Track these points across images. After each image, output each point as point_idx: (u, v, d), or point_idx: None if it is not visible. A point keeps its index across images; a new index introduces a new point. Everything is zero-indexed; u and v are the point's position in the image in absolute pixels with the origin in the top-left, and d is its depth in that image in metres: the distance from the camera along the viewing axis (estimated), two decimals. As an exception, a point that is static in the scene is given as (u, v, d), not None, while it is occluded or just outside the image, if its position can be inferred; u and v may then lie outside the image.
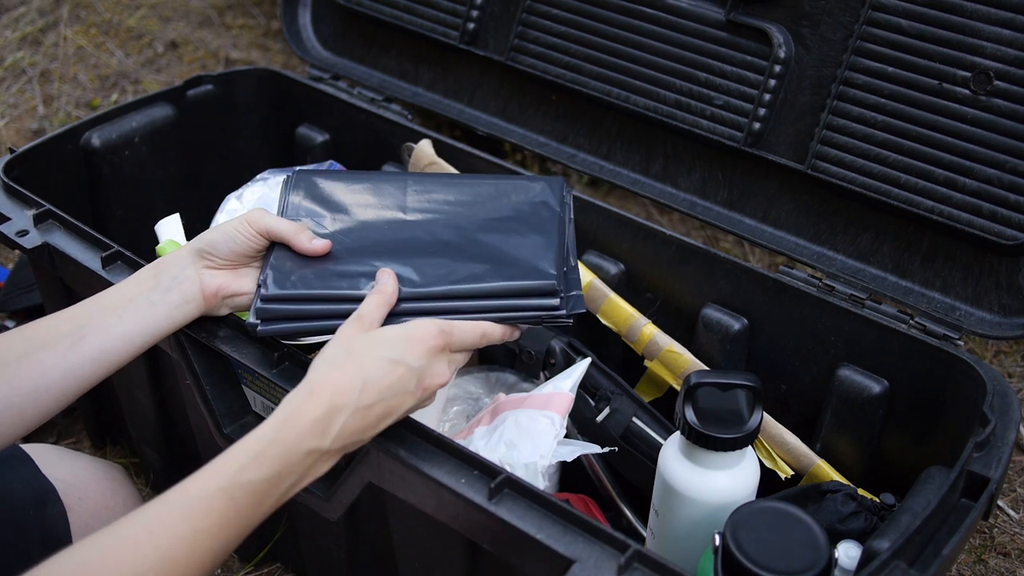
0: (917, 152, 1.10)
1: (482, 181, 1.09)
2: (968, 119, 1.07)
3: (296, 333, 0.97)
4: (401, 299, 0.95)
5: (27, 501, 1.05)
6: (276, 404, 1.03)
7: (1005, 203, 1.05)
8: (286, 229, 0.98)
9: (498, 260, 1.00)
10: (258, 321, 0.96)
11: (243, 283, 0.99)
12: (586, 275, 1.21)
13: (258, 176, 1.28)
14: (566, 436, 1.06)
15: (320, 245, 0.98)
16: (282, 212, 1.04)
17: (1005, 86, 1.05)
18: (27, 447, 1.14)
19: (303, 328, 0.96)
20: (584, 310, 0.99)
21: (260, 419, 1.06)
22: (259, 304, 0.96)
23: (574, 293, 1.00)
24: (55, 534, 1.06)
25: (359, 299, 0.94)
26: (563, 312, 0.98)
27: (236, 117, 1.49)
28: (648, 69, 1.27)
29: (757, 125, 1.19)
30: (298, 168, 1.12)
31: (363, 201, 1.05)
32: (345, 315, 0.92)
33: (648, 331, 1.18)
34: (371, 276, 0.97)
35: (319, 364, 0.85)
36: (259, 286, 0.97)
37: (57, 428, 1.45)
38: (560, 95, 1.36)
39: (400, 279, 0.96)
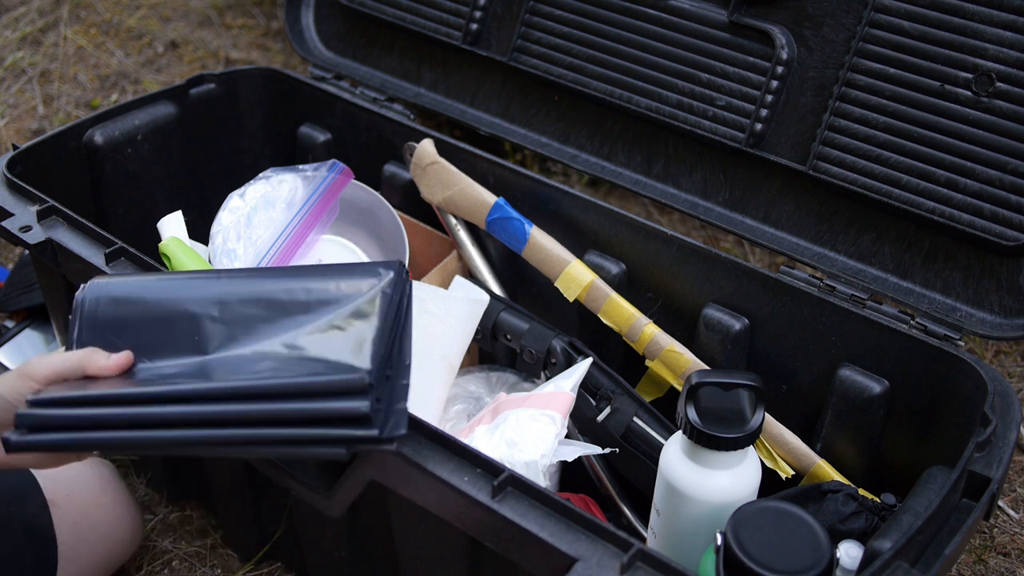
0: (918, 153, 1.10)
1: (303, 274, 0.93)
2: (970, 120, 1.07)
3: (62, 445, 0.83)
4: (156, 399, 0.83)
5: (7, 496, 1.05)
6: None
7: (1006, 204, 1.05)
8: (75, 359, 0.87)
9: (301, 356, 0.84)
10: (11, 434, 0.82)
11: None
12: (587, 275, 1.21)
13: (260, 175, 1.28)
14: (567, 436, 1.06)
15: (120, 359, 0.88)
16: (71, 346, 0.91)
17: (1007, 88, 1.05)
18: None
19: (72, 440, 0.83)
20: (405, 432, 0.82)
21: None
22: (23, 410, 0.83)
23: (398, 407, 0.83)
24: (38, 529, 1.06)
25: (149, 398, 0.83)
26: (373, 432, 0.79)
27: (238, 116, 1.49)
28: (650, 70, 1.27)
29: (759, 126, 1.20)
30: (92, 282, 0.95)
31: (163, 310, 0.90)
32: (127, 422, 0.82)
33: (649, 331, 1.18)
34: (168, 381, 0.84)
35: None
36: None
37: (57, 426, 1.44)
38: (562, 95, 1.36)
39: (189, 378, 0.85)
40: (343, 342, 0.84)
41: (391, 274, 0.90)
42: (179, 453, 0.85)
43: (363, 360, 0.82)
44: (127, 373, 0.88)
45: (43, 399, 0.84)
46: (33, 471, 1.08)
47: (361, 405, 0.79)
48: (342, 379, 0.80)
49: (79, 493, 1.15)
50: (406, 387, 0.86)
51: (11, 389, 0.87)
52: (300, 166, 1.29)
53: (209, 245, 1.23)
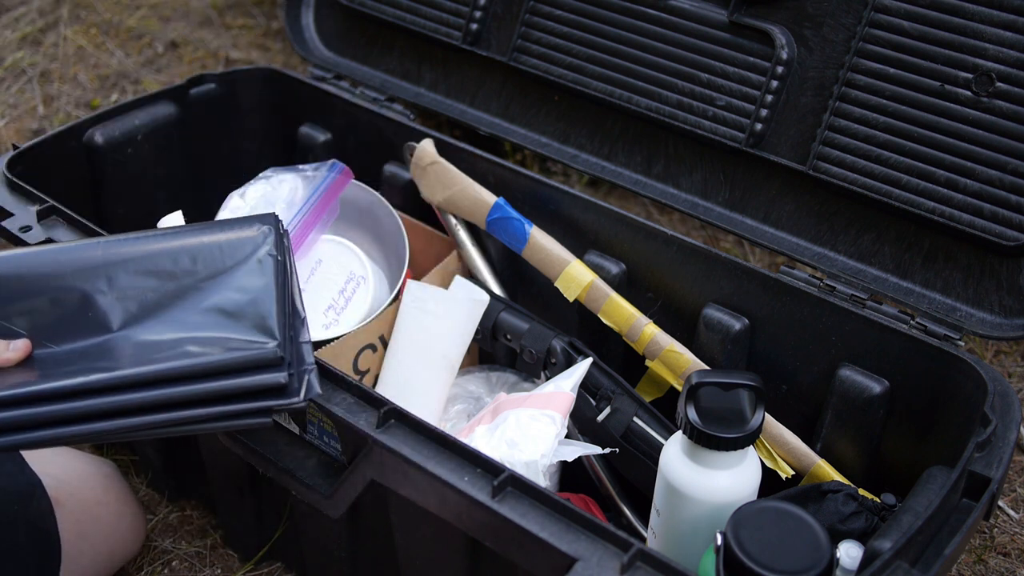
0: (918, 153, 1.10)
1: (182, 238, 0.93)
2: (970, 120, 1.07)
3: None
4: (86, 391, 0.82)
5: (11, 495, 1.05)
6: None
7: (1006, 204, 1.05)
8: None
9: (204, 332, 0.86)
10: None
11: None
12: (587, 275, 1.21)
13: (260, 175, 1.28)
14: (567, 436, 1.06)
15: (20, 347, 0.85)
16: None
17: (1007, 88, 1.05)
18: None
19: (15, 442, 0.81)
20: (319, 391, 0.87)
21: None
22: None
23: (307, 367, 0.87)
24: (41, 528, 1.06)
25: (66, 392, 0.82)
26: (296, 400, 0.84)
27: (238, 116, 1.49)
28: (650, 70, 1.27)
29: (759, 126, 1.20)
30: None
31: (48, 286, 0.90)
32: (44, 420, 0.81)
33: (649, 331, 1.18)
34: (87, 371, 0.83)
35: None
36: None
37: (57, 426, 1.44)
38: (562, 95, 1.36)
39: (96, 368, 0.83)
40: (247, 314, 0.87)
41: (271, 233, 0.93)
42: (107, 441, 0.86)
43: (270, 331, 0.86)
44: (27, 361, 0.86)
45: None
46: (36, 470, 1.08)
47: (279, 376, 0.84)
48: (257, 354, 0.84)
49: (83, 492, 1.15)
50: (308, 345, 0.89)
51: None
52: (300, 166, 1.29)
53: (209, 245, 1.23)
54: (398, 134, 1.40)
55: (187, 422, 0.84)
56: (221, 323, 0.87)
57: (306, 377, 0.86)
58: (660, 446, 1.10)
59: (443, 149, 1.33)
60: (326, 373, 0.96)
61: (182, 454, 1.27)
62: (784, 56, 1.18)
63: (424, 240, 1.37)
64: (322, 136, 1.48)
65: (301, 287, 1.22)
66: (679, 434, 0.95)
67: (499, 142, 1.56)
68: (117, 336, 0.88)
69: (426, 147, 1.32)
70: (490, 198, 1.27)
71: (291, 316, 0.90)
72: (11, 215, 1.14)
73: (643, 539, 1.13)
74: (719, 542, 0.84)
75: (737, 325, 1.16)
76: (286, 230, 0.96)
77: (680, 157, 1.28)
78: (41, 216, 1.13)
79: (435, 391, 1.22)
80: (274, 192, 1.24)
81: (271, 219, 0.95)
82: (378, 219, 1.33)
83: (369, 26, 1.53)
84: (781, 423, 1.12)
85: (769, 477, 1.07)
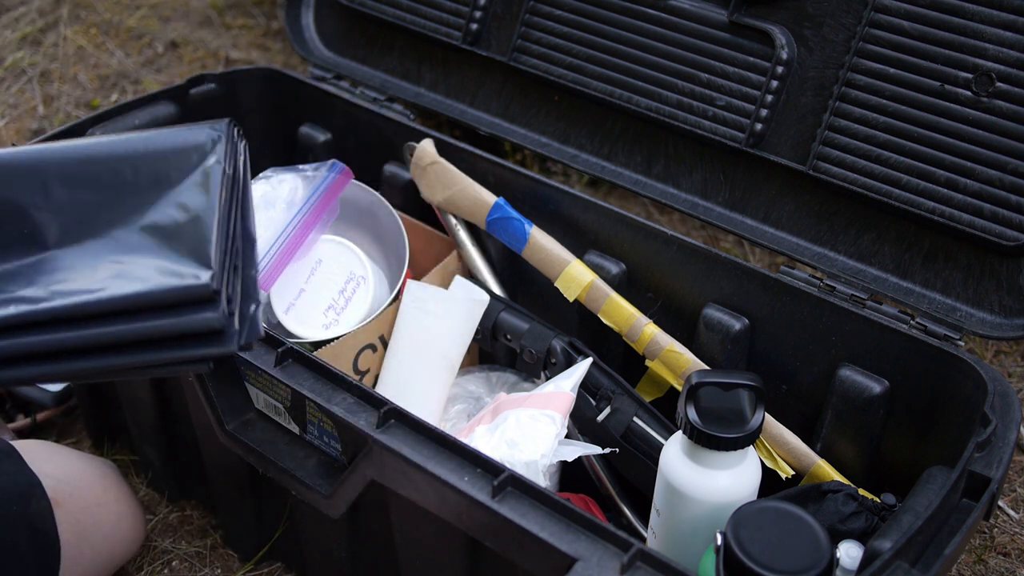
0: (918, 153, 1.10)
1: (126, 148, 0.82)
2: (970, 120, 1.07)
3: None
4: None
5: (11, 495, 1.05)
6: (279, 401, 1.03)
7: (1006, 204, 1.05)
8: None
9: (138, 255, 0.75)
10: None
11: None
12: (587, 275, 1.21)
13: (260, 175, 1.28)
14: (567, 436, 1.06)
15: None
16: None
17: (1007, 88, 1.05)
18: (19, 443, 1.14)
19: None
20: (261, 334, 0.76)
21: (263, 416, 1.07)
22: None
23: (250, 309, 0.75)
24: (41, 529, 1.06)
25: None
26: (231, 349, 0.72)
27: (238, 116, 1.48)
28: (650, 70, 1.27)
29: (759, 126, 1.20)
30: None
31: None
32: None
33: (649, 331, 1.18)
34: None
35: None
36: None
37: (57, 428, 1.44)
38: (562, 95, 1.36)
39: (21, 299, 0.73)
40: (184, 235, 0.76)
41: (221, 140, 0.82)
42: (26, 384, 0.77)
43: (205, 259, 0.73)
44: None
45: None
46: (35, 470, 1.08)
47: (212, 318, 0.72)
48: (186, 286, 0.72)
49: (82, 492, 1.15)
50: (254, 278, 0.78)
51: None
52: (300, 166, 1.29)
53: (209, 245, 1.23)
54: (398, 134, 1.40)
55: (102, 373, 0.74)
56: (156, 246, 0.76)
57: (249, 315, 0.75)
58: (660, 446, 1.10)
59: (443, 149, 1.33)
60: (326, 373, 0.96)
61: (182, 454, 1.27)
62: (784, 56, 1.18)
63: (424, 240, 1.37)
64: (322, 136, 1.48)
65: (302, 287, 1.23)
66: (679, 434, 0.95)
67: (499, 142, 1.56)
68: (51, 256, 0.77)
69: (426, 147, 1.32)
70: (490, 198, 1.27)
71: (236, 240, 0.79)
72: (11, 215, 1.14)
73: (643, 539, 1.13)
74: (719, 542, 0.84)
75: (737, 325, 1.17)
76: (242, 135, 0.85)
77: (680, 157, 1.28)
78: (41, 216, 1.13)
79: (435, 391, 1.22)
80: (274, 192, 1.24)
81: (223, 125, 0.84)
82: (378, 219, 1.33)
83: (369, 26, 1.53)
84: (781, 423, 1.12)
85: (769, 477, 1.07)
